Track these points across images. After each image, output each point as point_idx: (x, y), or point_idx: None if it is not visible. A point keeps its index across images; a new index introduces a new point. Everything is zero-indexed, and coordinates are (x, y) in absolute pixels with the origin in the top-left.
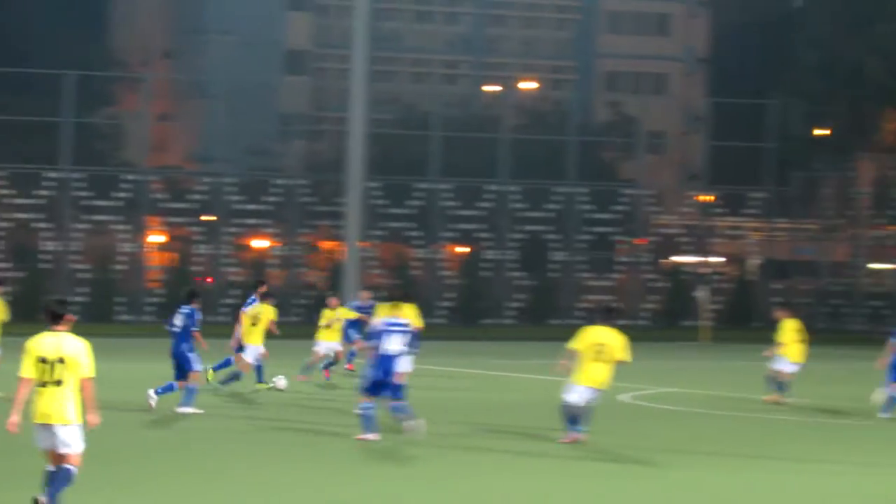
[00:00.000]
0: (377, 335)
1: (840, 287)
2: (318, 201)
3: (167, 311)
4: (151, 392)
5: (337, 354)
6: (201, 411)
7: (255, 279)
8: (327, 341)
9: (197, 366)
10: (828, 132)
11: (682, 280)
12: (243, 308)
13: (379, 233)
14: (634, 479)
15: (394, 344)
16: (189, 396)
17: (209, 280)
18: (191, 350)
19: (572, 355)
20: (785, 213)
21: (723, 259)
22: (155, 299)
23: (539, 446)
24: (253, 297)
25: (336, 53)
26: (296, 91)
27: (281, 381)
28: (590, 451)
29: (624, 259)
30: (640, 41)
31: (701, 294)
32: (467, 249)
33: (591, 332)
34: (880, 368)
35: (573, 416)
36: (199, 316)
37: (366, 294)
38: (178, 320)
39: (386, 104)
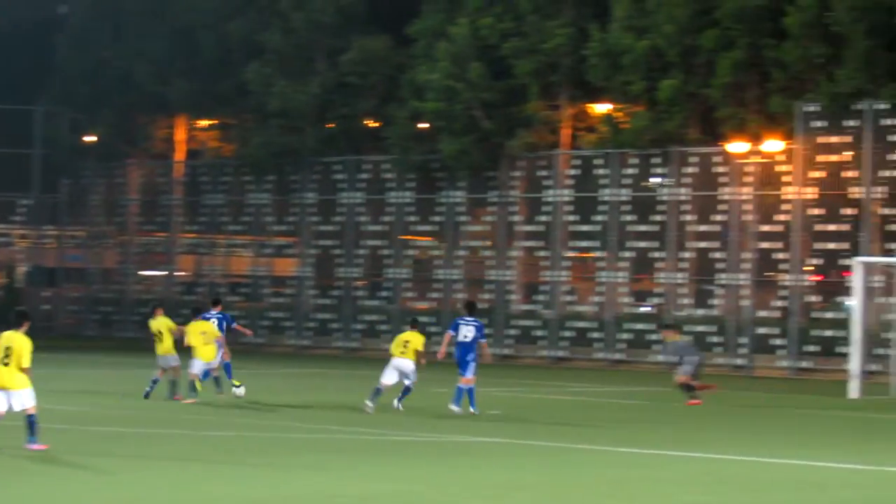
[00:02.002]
0: None
1: (110, 294)
2: None
3: None
4: None
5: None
6: None
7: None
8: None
9: None
10: (96, 139)
11: None
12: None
13: None
14: None
15: None
16: None
17: None
18: None
19: None
20: (53, 219)
21: None
22: None
23: None
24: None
25: None
26: None
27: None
28: None
29: None
30: None
31: None
32: None
33: (2, 337)
34: (441, 358)
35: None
36: None
37: None
38: None
39: None
